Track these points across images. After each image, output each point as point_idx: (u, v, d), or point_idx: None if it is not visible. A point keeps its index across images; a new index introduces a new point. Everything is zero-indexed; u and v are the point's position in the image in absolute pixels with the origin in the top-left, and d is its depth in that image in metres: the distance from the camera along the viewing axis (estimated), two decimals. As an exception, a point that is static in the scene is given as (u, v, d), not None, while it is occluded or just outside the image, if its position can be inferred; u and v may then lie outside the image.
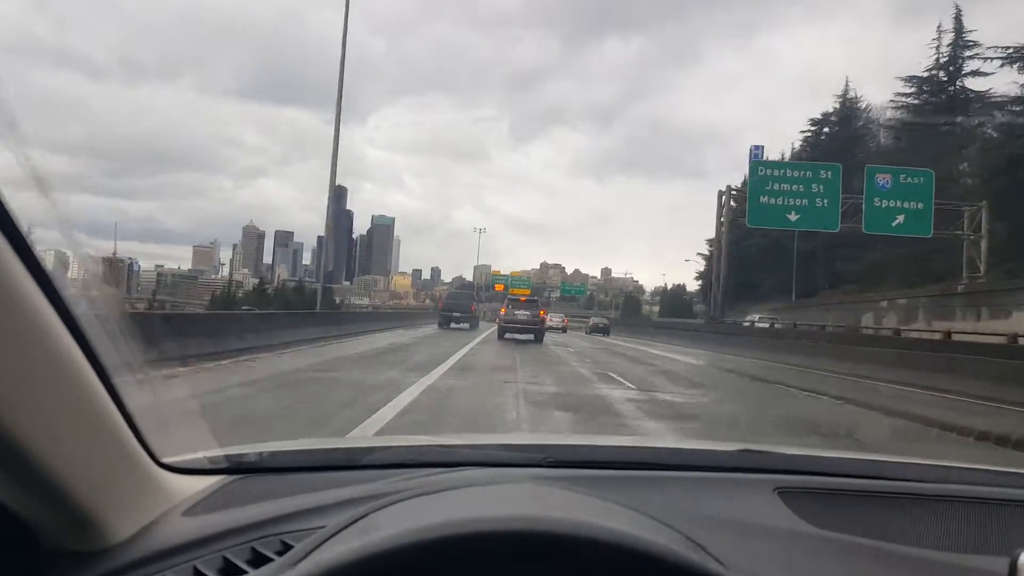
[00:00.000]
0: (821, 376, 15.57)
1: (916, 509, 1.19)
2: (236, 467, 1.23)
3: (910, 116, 42.80)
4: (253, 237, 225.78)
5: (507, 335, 25.13)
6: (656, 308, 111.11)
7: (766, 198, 29.73)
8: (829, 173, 29.93)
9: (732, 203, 32.72)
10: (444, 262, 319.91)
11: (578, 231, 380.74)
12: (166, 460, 1.06)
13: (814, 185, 29.64)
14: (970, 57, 41.47)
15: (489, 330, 31.61)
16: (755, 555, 0.95)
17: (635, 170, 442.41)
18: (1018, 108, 36.17)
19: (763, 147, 32.09)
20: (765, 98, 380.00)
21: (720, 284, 34.09)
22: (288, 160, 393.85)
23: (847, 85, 53.27)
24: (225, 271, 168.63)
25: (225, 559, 0.89)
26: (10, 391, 0.69)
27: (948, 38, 42.16)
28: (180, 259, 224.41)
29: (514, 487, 1.02)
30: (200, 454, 1.22)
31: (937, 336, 17.46)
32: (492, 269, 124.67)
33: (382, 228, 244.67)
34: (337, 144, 25.30)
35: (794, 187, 29.67)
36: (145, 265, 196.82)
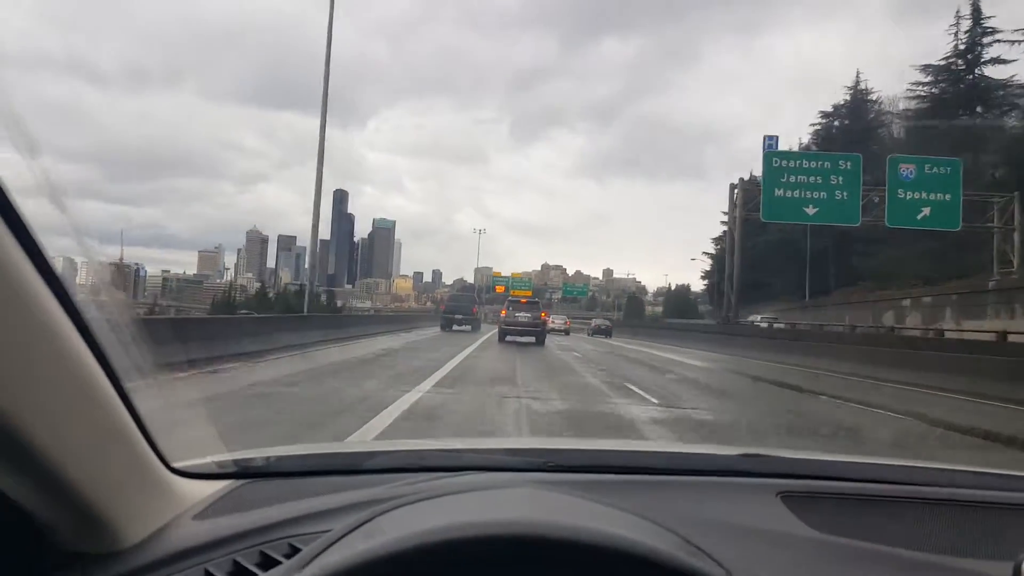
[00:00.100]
0: (873, 385, 13.36)
1: (920, 513, 1.17)
2: (244, 471, 1.24)
3: (928, 105, 41.06)
4: (257, 242, 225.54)
5: (508, 338, 24.48)
6: (659, 309, 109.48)
7: (781, 191, 27.67)
8: (849, 164, 27.77)
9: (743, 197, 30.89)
10: (445, 265, 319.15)
11: (579, 232, 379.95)
12: (176, 464, 1.07)
13: (833, 176, 27.53)
14: (990, 44, 39.78)
15: (490, 332, 30.91)
16: (758, 560, 0.93)
17: (635, 171, 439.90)
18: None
19: (777, 137, 29.80)
20: (766, 97, 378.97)
21: (735, 282, 32.15)
22: (287, 164, 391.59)
23: (858, 76, 51.95)
24: (230, 276, 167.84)
25: (235, 562, 0.90)
26: (25, 395, 0.70)
27: (965, 25, 40.54)
28: (186, 264, 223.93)
29: (516, 491, 1.02)
30: (209, 459, 1.23)
31: (991, 337, 15.65)
32: (493, 271, 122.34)
33: (383, 231, 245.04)
34: (323, 146, 23.87)
35: (812, 179, 27.58)
36: (152, 270, 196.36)
